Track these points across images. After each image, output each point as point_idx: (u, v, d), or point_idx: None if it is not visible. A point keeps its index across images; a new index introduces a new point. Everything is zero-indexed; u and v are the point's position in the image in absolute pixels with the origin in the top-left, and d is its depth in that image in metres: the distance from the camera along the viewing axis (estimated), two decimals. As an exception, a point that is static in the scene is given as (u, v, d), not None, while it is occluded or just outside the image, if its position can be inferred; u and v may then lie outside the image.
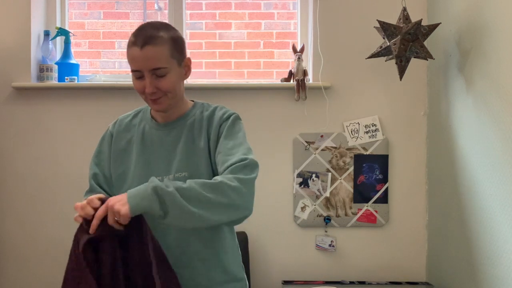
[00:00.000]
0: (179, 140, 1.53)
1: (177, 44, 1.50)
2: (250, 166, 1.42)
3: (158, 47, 1.44)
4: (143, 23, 1.50)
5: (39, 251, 2.59)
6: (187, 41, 2.79)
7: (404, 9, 2.22)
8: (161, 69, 1.45)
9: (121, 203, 1.27)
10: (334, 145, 2.64)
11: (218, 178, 1.37)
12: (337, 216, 2.63)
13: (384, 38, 2.24)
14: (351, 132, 2.64)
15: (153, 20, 1.52)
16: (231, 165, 1.41)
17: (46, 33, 2.66)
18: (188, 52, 2.75)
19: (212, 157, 1.50)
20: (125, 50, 1.52)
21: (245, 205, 1.39)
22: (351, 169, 2.63)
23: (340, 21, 2.65)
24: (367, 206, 2.64)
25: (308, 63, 2.69)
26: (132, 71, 1.47)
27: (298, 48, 2.64)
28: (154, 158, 1.53)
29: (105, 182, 1.59)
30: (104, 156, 1.60)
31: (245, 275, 1.65)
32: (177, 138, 1.53)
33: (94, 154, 1.63)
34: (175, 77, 1.49)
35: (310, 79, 2.65)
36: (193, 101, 1.63)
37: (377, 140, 2.64)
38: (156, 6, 2.85)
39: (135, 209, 1.27)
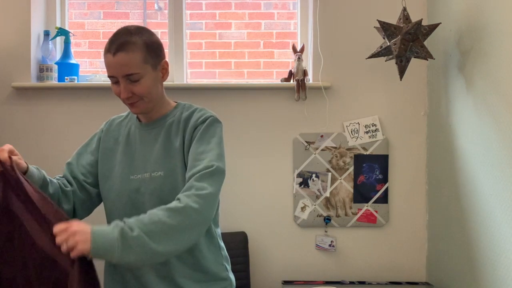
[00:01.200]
0: (157, 139, 1.57)
1: (151, 49, 1.51)
2: (215, 175, 1.44)
3: (130, 54, 1.46)
4: (119, 28, 1.54)
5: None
6: (187, 41, 2.79)
7: (404, 9, 2.22)
8: (134, 75, 1.47)
9: (83, 238, 1.23)
10: (334, 145, 2.64)
11: (181, 200, 1.37)
12: (337, 216, 2.63)
13: (384, 38, 2.24)
14: (351, 132, 2.64)
15: (129, 25, 1.56)
16: (197, 172, 1.43)
17: (46, 33, 2.66)
18: (188, 53, 2.77)
19: (186, 158, 1.52)
20: None
21: (205, 221, 1.42)
22: (351, 169, 2.63)
23: (340, 21, 2.64)
24: (367, 206, 2.64)
25: (308, 63, 2.69)
26: (108, 76, 1.51)
27: (298, 48, 2.64)
28: (135, 157, 1.58)
29: (79, 173, 1.63)
30: (90, 148, 1.67)
31: (231, 275, 1.66)
32: (155, 138, 1.57)
33: (82, 144, 1.70)
34: (150, 81, 1.51)
35: (310, 79, 2.65)
36: (176, 102, 1.67)
37: (377, 140, 2.64)
38: (156, 6, 2.85)
39: (94, 252, 1.25)
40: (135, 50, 1.47)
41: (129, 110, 1.67)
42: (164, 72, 1.57)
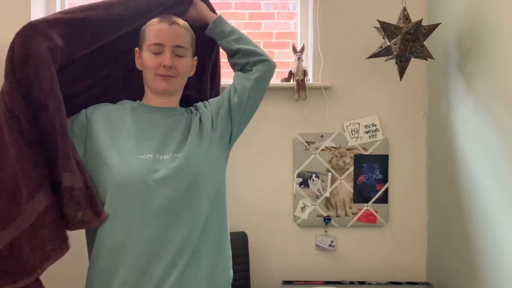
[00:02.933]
0: (177, 124, 1.56)
1: (194, 40, 1.63)
2: None
3: (184, 30, 1.56)
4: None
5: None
6: (187, 41, 2.79)
7: (404, 9, 2.22)
8: (182, 49, 1.53)
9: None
10: (334, 145, 2.64)
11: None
12: (337, 216, 2.63)
13: (384, 38, 2.24)
14: (351, 132, 2.64)
15: None
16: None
17: (46, 33, 2.65)
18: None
19: (218, 132, 1.61)
20: None
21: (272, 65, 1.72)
22: (351, 169, 2.63)
23: (340, 21, 2.64)
24: (367, 206, 2.64)
25: (308, 63, 2.69)
26: (153, 44, 1.51)
27: (298, 48, 2.63)
28: (152, 138, 1.51)
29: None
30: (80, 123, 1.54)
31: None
32: (175, 122, 1.56)
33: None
34: (188, 63, 1.59)
35: (310, 79, 2.65)
36: None
37: (377, 140, 2.64)
38: (156, 6, 2.84)
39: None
40: (188, 29, 1.59)
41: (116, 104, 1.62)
42: (192, 67, 1.64)
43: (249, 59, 1.68)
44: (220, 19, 1.72)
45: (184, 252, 1.44)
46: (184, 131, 1.54)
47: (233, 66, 1.74)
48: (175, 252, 1.43)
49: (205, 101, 1.69)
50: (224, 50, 1.73)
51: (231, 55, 1.72)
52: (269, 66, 1.71)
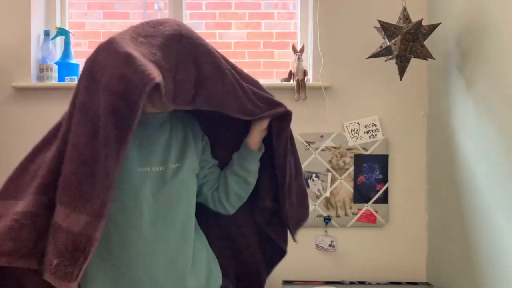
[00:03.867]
0: (165, 133, 1.51)
1: None
2: None
3: None
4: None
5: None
6: (187, 41, 2.79)
7: (404, 9, 2.22)
8: None
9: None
10: (334, 145, 2.64)
11: None
12: (337, 216, 2.63)
13: (384, 38, 2.24)
14: (351, 132, 2.64)
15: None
16: None
17: (46, 33, 2.65)
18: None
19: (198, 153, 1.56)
20: None
21: None
22: (351, 169, 2.63)
23: (340, 21, 2.64)
24: (367, 206, 2.64)
25: (308, 63, 2.69)
26: None
27: (298, 48, 2.64)
28: (149, 149, 1.48)
29: None
30: None
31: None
32: (163, 130, 1.51)
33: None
34: None
35: (310, 79, 2.65)
36: None
37: (377, 140, 2.64)
38: (156, 6, 2.85)
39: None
40: None
41: None
42: None
43: (229, 199, 1.59)
44: (255, 155, 1.63)
45: (181, 260, 1.46)
46: (176, 141, 1.51)
47: (224, 176, 1.63)
48: (172, 261, 1.45)
49: (203, 134, 1.62)
50: (232, 163, 1.62)
51: (230, 172, 1.61)
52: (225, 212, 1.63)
